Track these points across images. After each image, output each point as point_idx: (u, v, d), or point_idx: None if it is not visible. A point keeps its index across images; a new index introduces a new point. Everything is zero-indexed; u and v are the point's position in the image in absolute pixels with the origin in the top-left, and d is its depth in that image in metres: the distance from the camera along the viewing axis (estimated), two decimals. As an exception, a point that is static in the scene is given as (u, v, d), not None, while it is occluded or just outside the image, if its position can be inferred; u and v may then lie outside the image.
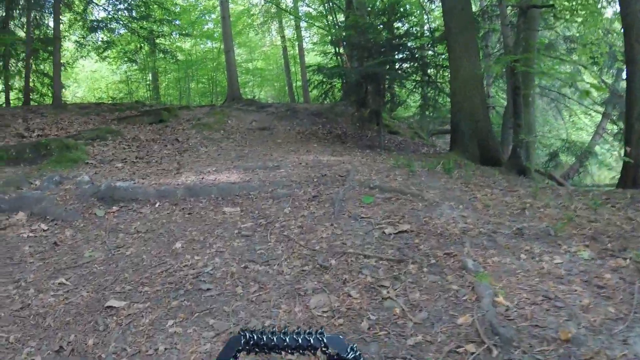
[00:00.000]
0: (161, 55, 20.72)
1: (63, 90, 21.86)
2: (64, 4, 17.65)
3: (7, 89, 18.74)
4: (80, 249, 4.76)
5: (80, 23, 18.21)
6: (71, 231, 5.27)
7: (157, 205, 5.90)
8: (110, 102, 19.70)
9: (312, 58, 27.05)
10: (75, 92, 26.59)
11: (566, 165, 15.94)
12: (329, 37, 19.19)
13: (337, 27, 18.01)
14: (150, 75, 25.65)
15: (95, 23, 17.75)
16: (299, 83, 27.42)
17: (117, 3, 17.38)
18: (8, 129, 12.04)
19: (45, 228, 5.40)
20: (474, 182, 7.14)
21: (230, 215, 5.38)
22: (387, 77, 12.64)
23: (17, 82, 19.75)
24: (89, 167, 8.25)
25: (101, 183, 6.54)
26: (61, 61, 19.96)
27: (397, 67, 13.42)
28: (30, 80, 19.05)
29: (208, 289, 3.57)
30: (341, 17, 18.37)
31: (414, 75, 13.60)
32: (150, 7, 17.65)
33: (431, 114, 15.23)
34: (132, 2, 17.27)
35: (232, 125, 14.30)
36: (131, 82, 25.79)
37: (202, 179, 6.99)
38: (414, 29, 14.79)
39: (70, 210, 5.81)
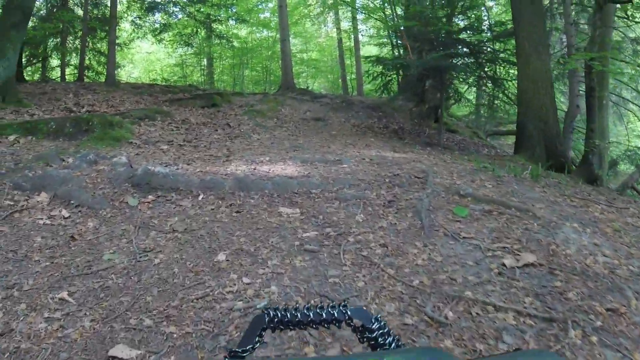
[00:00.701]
0: (217, 40, 19.93)
1: (118, 70, 21.47)
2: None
3: (63, 65, 18.31)
4: (100, 247, 3.67)
5: (138, 4, 17.51)
6: (95, 222, 4.20)
7: (200, 198, 4.79)
8: (163, 83, 18.96)
9: (366, 51, 25.91)
10: (130, 72, 26.17)
11: (624, 174, 14.20)
12: (386, 30, 18.39)
13: (395, 19, 16.71)
14: (205, 60, 24.89)
15: (152, 4, 16.95)
16: (353, 76, 26.40)
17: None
18: (57, 103, 11.35)
19: (67, 215, 4.36)
20: (569, 193, 5.73)
21: (288, 219, 4.19)
22: (451, 71, 11.30)
23: (74, 59, 19.25)
24: (132, 147, 7.24)
25: (139, 167, 5.49)
26: (117, 41, 19.62)
27: (459, 61, 12.06)
28: (86, 58, 18.74)
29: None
30: (399, 10, 17.16)
31: (477, 71, 12.20)
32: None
33: (486, 114, 13.97)
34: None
35: (285, 114, 13.23)
36: (186, 66, 25.15)
37: (254, 169, 5.85)
38: (474, 23, 13.35)
39: (99, 196, 4.76)
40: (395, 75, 13.76)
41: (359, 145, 9.23)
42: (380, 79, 13.44)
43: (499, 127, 16.60)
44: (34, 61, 17.91)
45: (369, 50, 27.07)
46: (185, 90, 15.28)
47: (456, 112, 18.50)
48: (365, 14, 22.11)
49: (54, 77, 18.41)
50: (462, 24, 13.19)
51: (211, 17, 17.00)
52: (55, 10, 17.18)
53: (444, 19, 12.21)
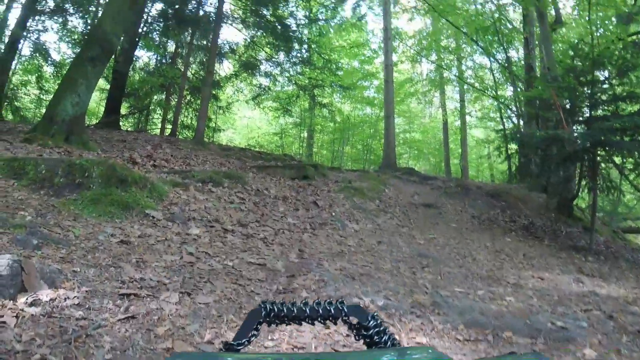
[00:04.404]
0: (319, 109, 17.17)
1: (218, 133, 19.37)
2: (230, 50, 14.96)
3: (164, 119, 16.36)
4: None
5: (237, 64, 15.28)
6: None
7: None
8: (257, 149, 16.29)
9: (471, 134, 23.45)
10: (232, 138, 24.18)
11: None
12: (498, 111, 17.14)
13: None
14: (305, 132, 22.43)
15: (248, 62, 14.57)
16: (455, 161, 23.00)
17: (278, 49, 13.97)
18: (127, 152, 8.63)
19: None
20: None
21: None
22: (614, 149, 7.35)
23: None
24: (137, 225, 3.85)
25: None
26: (219, 104, 17.63)
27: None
28: (185, 115, 16.81)
29: None
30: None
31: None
32: (312, 54, 14.08)
33: (608, 207, 11.08)
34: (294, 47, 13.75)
35: (389, 196, 9.63)
36: (285, 136, 22.74)
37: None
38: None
39: None
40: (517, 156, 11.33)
41: (514, 258, 5.39)
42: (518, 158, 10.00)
43: (623, 222, 13.08)
44: (135, 112, 16.12)
45: (474, 133, 24.20)
46: (278, 159, 12.33)
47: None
48: (477, 91, 19.38)
49: (152, 130, 16.66)
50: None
51: (312, 80, 14.18)
52: (162, 65, 15.49)
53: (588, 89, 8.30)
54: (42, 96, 13.84)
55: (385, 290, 3.13)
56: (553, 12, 12.93)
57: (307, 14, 14.25)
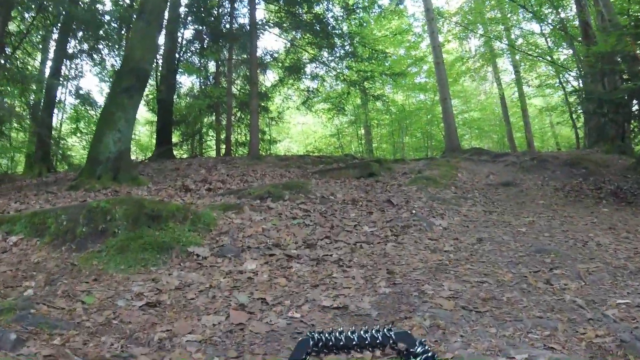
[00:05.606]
0: (372, 103, 16.03)
1: (275, 144, 18.74)
2: (272, 58, 14.19)
3: (218, 141, 15.85)
4: None
5: (281, 71, 14.46)
6: None
7: None
8: (316, 154, 15.41)
9: (530, 104, 21.23)
10: (289, 147, 23.50)
11: None
12: (557, 76, 15.99)
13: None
14: (362, 129, 21.33)
15: (293, 66, 13.72)
16: (518, 134, 21.18)
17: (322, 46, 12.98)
18: (181, 180, 8.02)
19: None
20: None
21: None
22: None
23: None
24: (178, 270, 2.96)
25: None
26: (271, 116, 16.98)
27: None
28: (237, 132, 16.30)
29: None
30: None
31: None
32: (356, 47, 12.97)
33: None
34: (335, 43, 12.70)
35: (464, 180, 8.38)
36: (342, 136, 21.77)
37: None
38: None
39: None
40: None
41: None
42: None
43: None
44: (188, 139, 15.74)
45: (533, 102, 22.17)
46: (339, 160, 11.40)
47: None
48: (531, 60, 17.84)
49: (208, 154, 16.27)
50: None
51: (361, 73, 13.07)
52: (206, 87, 15.03)
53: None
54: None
55: (534, 328, 2.02)
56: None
57: (344, 6, 13.21)
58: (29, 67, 11.52)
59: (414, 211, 5.21)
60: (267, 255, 3.33)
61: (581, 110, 12.32)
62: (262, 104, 14.99)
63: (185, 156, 14.71)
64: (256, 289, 2.60)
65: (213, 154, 16.04)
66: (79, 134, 13.45)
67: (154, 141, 14.28)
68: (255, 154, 11.47)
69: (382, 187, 6.94)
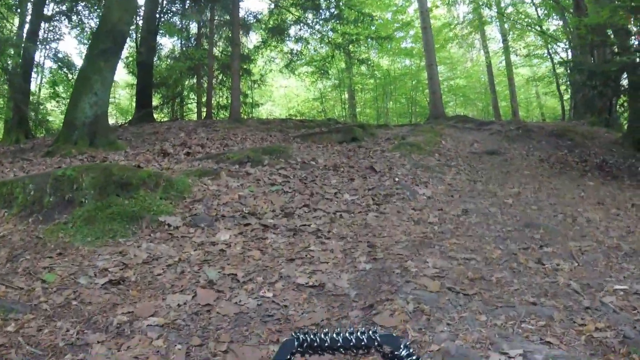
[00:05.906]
0: (357, 66, 15.64)
1: (257, 108, 18.37)
2: (255, 19, 13.64)
3: (199, 104, 15.43)
4: None
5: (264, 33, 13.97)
6: None
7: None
8: (298, 118, 15.11)
9: (517, 73, 20.93)
10: (271, 110, 23.08)
11: None
12: (545, 47, 15.79)
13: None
14: (346, 93, 20.95)
15: (277, 27, 13.25)
16: (503, 103, 20.95)
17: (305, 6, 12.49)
18: (159, 144, 7.76)
19: None
20: None
21: None
22: None
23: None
24: (147, 241, 2.82)
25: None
26: (253, 78, 16.54)
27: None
28: (219, 95, 15.88)
29: None
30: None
31: None
32: (342, 9, 12.53)
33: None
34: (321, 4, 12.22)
35: (448, 147, 8.29)
36: (326, 100, 21.37)
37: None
38: None
39: None
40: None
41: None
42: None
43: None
44: (168, 102, 15.27)
45: (520, 72, 21.93)
46: (322, 125, 11.19)
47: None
48: (518, 29, 17.56)
49: (189, 117, 15.87)
50: None
51: (346, 36, 12.69)
52: (187, 49, 14.47)
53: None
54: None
55: (527, 316, 1.91)
56: None
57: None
58: (5, 31, 10.95)
59: (397, 179, 5.09)
60: (242, 225, 3.18)
61: (569, 82, 12.23)
62: (244, 66, 14.54)
63: (165, 119, 14.30)
64: (228, 263, 2.46)
65: (194, 117, 15.65)
66: (57, 99, 12.95)
67: (134, 105, 13.82)
68: (237, 117, 11.20)
69: (365, 153, 6.80)
